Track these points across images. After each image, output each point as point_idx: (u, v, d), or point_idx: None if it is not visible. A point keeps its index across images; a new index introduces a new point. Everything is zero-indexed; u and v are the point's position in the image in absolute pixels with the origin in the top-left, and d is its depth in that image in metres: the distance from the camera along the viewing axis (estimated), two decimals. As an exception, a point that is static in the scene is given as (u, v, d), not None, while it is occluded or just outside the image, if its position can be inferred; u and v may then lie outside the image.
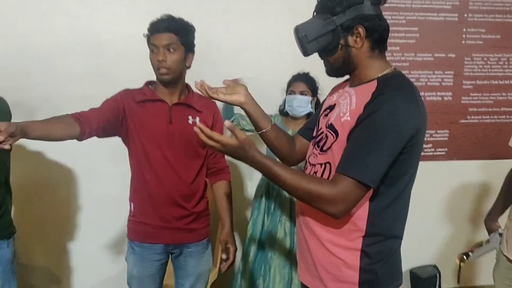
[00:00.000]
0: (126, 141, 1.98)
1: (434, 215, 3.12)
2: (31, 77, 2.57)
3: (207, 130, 1.28)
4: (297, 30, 1.36)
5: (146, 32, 1.90)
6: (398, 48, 2.87)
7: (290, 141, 1.61)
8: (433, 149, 3.03)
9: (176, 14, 2.57)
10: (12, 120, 1.86)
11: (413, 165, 1.35)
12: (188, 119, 1.97)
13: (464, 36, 2.96)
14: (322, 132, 1.44)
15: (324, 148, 1.39)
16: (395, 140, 1.25)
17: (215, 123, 2.06)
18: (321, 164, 1.39)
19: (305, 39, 1.35)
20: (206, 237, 2.11)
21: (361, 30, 1.33)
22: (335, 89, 1.56)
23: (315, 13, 1.40)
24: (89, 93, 2.38)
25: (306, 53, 1.38)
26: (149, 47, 1.90)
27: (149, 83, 2.01)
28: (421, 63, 2.94)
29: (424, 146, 2.93)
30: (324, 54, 1.41)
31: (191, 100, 2.00)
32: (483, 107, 3.06)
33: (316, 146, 1.45)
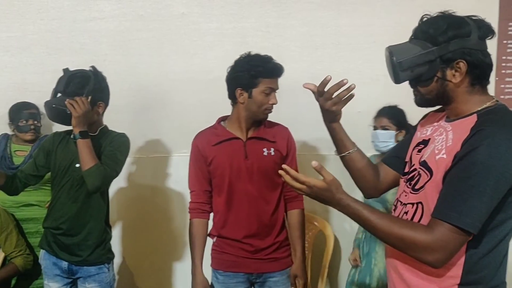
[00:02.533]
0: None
1: None
2: (149, 112, 2.74)
3: (293, 172, 1.24)
4: (391, 53, 1.24)
5: (254, 70, 1.94)
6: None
7: (374, 169, 1.50)
8: None
9: (287, 49, 2.66)
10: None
11: None
12: (263, 151, 2.00)
13: None
14: (415, 169, 1.32)
15: (417, 187, 1.27)
16: (498, 182, 1.11)
17: (289, 151, 2.09)
18: (412, 204, 1.28)
19: (399, 66, 1.23)
20: (289, 266, 2.11)
21: (462, 65, 1.20)
22: (428, 120, 1.42)
23: (412, 37, 1.29)
24: (203, 127, 2.52)
25: (397, 80, 1.26)
26: (259, 86, 1.95)
27: (221, 119, 2.10)
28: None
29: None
30: (416, 83, 1.29)
31: (264, 133, 2.04)
32: None
33: (408, 184, 1.33)
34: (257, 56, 1.98)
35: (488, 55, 1.24)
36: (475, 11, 2.58)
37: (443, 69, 1.23)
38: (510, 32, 2.61)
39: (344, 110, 2.66)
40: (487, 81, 1.26)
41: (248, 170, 1.99)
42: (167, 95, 2.72)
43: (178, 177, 2.69)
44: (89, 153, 1.92)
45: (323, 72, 2.56)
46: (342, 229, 2.82)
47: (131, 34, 2.68)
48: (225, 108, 2.63)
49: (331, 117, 1.43)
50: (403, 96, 2.37)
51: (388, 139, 2.34)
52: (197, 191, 2.05)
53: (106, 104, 2.08)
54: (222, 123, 2.09)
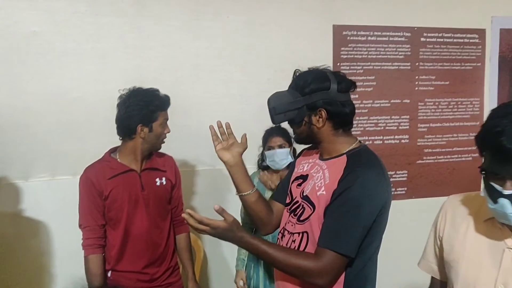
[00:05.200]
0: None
1: (400, 251, 3.26)
2: (2, 135, 2.57)
3: (197, 216, 1.35)
4: (269, 101, 1.50)
5: (152, 105, 2.02)
6: (357, 96, 3.04)
7: (269, 208, 1.69)
8: (393, 189, 3.20)
9: (147, 70, 2.71)
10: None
11: (380, 233, 1.48)
12: (156, 181, 2.10)
13: (417, 83, 3.18)
14: (298, 202, 1.54)
15: (302, 218, 1.49)
16: (369, 213, 1.38)
17: (177, 179, 2.20)
18: (299, 233, 1.49)
19: (274, 111, 1.48)
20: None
21: (323, 113, 1.45)
22: (304, 158, 1.67)
23: (289, 88, 1.53)
24: (62, 149, 2.45)
25: (273, 122, 1.52)
26: (158, 120, 2.03)
27: (111, 151, 2.10)
28: (379, 109, 3.12)
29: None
30: (291, 125, 1.55)
31: (155, 163, 2.13)
32: (437, 147, 3.27)
33: (292, 215, 1.55)
34: (146, 91, 2.04)
35: (349, 105, 1.48)
36: (313, 37, 2.93)
37: (309, 115, 1.47)
38: (342, 56, 3.02)
39: (206, 128, 2.80)
40: (348, 126, 1.51)
41: (145, 201, 2.04)
42: (22, 116, 2.57)
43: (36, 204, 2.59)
44: None
45: (185, 92, 2.75)
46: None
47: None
48: (86, 129, 2.62)
49: (231, 157, 1.60)
50: (255, 113, 2.66)
51: (286, 156, 2.46)
52: (92, 226, 2.00)
53: None
54: (112, 155, 2.08)
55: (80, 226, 2.03)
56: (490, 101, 3.32)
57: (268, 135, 2.55)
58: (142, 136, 2.02)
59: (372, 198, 1.38)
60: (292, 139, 2.52)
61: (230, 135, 1.62)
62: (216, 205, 1.36)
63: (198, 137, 2.72)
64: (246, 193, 1.61)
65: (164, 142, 2.14)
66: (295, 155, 2.53)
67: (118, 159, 2.06)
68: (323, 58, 2.92)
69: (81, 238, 2.04)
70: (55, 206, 2.60)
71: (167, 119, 2.11)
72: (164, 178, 2.12)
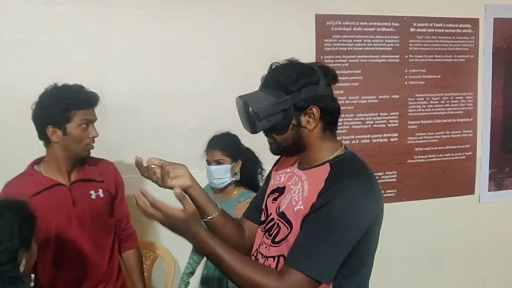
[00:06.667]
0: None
1: (390, 258, 3.06)
2: None
3: (150, 197, 1.11)
4: (246, 103, 1.21)
5: (64, 103, 1.76)
6: (342, 91, 2.81)
7: (239, 227, 1.45)
8: (382, 191, 2.97)
9: (109, 65, 2.46)
10: None
11: (370, 255, 1.25)
12: (91, 194, 1.83)
13: (406, 77, 2.96)
14: (273, 219, 1.30)
15: (277, 239, 1.26)
16: (350, 234, 1.16)
17: (118, 189, 1.96)
18: (274, 257, 1.26)
19: (256, 117, 1.20)
20: None
21: (315, 110, 1.22)
22: (280, 166, 1.43)
23: (263, 86, 1.27)
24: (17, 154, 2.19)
25: (254, 131, 1.24)
26: (73, 120, 1.76)
27: (35, 162, 1.83)
28: (366, 105, 2.90)
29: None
30: (272, 132, 1.27)
31: (89, 173, 1.86)
32: (428, 146, 3.06)
33: (267, 235, 1.31)
34: (66, 86, 1.78)
35: (336, 100, 1.27)
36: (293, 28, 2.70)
37: (297, 116, 1.23)
38: (326, 48, 2.79)
39: (176, 127, 2.57)
40: (336, 127, 1.29)
41: (79, 219, 1.79)
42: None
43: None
44: None
45: (152, 89, 2.49)
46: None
47: None
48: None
49: (186, 179, 1.33)
50: (230, 111, 2.43)
51: (223, 174, 2.17)
52: None
53: None
54: (36, 167, 1.81)
55: None
56: (484, 95, 3.12)
57: (207, 147, 2.24)
58: (55, 140, 1.76)
59: (356, 215, 1.16)
60: (236, 150, 2.22)
61: (162, 165, 1.35)
62: (177, 189, 1.13)
63: (166, 138, 2.51)
64: (214, 215, 1.37)
65: (91, 148, 1.85)
66: (247, 170, 2.26)
67: (43, 172, 1.80)
68: (305, 51, 2.72)
69: None
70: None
71: (91, 120, 1.83)
72: (100, 190, 1.86)
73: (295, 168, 1.34)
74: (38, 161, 1.84)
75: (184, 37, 2.56)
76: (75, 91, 1.79)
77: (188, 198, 1.15)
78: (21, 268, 1.32)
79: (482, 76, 3.10)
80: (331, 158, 1.26)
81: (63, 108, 1.74)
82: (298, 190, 1.26)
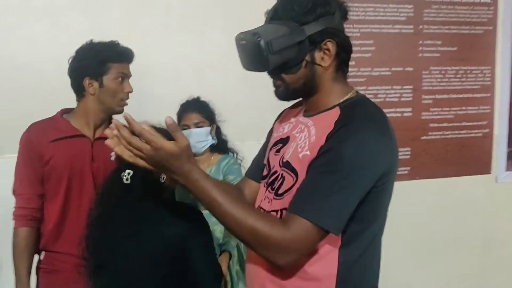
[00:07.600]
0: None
1: (402, 240, 2.94)
2: None
3: (137, 125, 0.96)
4: (257, 34, 1.04)
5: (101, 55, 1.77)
6: (353, 62, 2.66)
7: (236, 191, 1.31)
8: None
9: (109, 33, 2.33)
10: None
11: (384, 208, 1.13)
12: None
13: (420, 48, 2.82)
14: (276, 172, 1.17)
15: (280, 191, 1.13)
16: (363, 178, 1.03)
17: None
18: (276, 211, 1.13)
19: (269, 49, 1.04)
20: None
21: (331, 45, 1.09)
22: (284, 118, 1.30)
23: (270, 19, 1.13)
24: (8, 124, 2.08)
25: (266, 66, 1.08)
26: (110, 73, 1.77)
27: (64, 111, 1.82)
28: (378, 78, 2.76)
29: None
30: (281, 71, 1.13)
31: None
32: (444, 122, 2.92)
33: (270, 189, 1.18)
34: (99, 42, 1.79)
35: (348, 37, 1.13)
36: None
37: (312, 51, 1.09)
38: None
39: (177, 100, 2.43)
40: (348, 68, 1.17)
41: (94, 175, 1.75)
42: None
43: None
44: None
45: (154, 58, 2.37)
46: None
47: None
48: (40, 100, 2.24)
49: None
50: (239, 80, 2.31)
51: (205, 137, 2.14)
52: (27, 194, 1.74)
53: None
54: (65, 115, 1.80)
55: (13, 191, 1.76)
56: (503, 69, 2.96)
57: (182, 111, 2.19)
58: (91, 92, 1.77)
59: (370, 159, 1.02)
60: (212, 115, 2.20)
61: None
62: (170, 118, 0.97)
63: (170, 110, 2.39)
64: None
65: (126, 104, 1.83)
66: (220, 135, 2.23)
67: (70, 121, 1.79)
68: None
69: (13, 207, 1.76)
70: (2, 190, 2.23)
71: (127, 75, 1.84)
72: None
73: (300, 116, 1.21)
74: (68, 111, 1.85)
75: (188, 2, 2.44)
76: (111, 45, 1.81)
77: (181, 132, 0.99)
78: None
79: (501, 49, 2.95)
80: (341, 101, 1.13)
81: (100, 60, 1.75)
82: (304, 136, 1.12)
